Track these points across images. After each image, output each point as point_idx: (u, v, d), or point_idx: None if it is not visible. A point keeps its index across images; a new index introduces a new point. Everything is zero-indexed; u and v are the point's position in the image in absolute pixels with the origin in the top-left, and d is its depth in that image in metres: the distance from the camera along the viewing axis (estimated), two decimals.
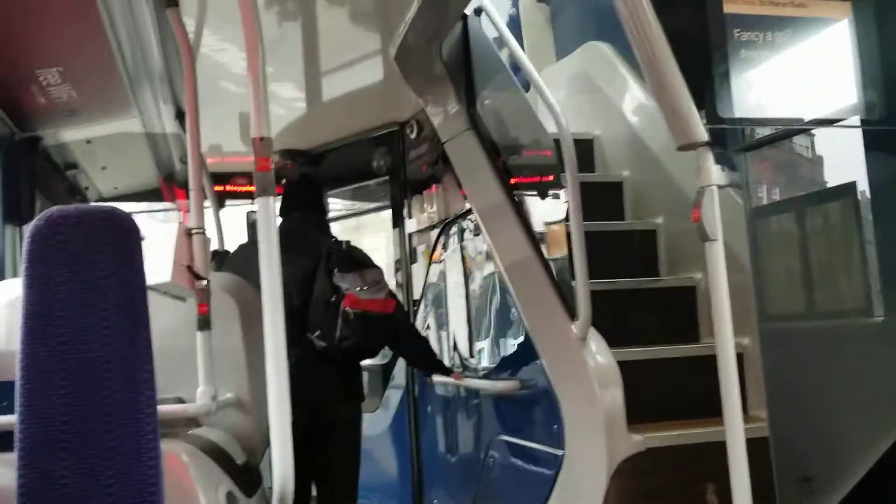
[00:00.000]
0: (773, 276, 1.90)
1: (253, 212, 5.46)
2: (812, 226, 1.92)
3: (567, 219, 2.60)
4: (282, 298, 1.51)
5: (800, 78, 1.65)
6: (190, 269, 2.09)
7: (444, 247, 4.07)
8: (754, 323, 2.21)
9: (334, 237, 3.50)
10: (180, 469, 1.79)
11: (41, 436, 1.56)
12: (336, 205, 5.35)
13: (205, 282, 2.12)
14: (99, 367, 1.60)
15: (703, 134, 1.48)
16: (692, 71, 1.50)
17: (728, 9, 1.52)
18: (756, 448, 1.61)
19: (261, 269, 1.49)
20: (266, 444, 2.72)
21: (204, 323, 2.12)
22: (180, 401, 2.24)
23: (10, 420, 1.59)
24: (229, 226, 5.19)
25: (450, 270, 3.99)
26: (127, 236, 1.66)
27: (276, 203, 1.59)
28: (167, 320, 2.12)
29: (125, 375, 1.61)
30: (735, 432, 1.55)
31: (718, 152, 1.53)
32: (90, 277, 1.62)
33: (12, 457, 1.55)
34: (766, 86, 1.61)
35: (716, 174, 1.50)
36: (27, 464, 1.55)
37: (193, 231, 2.13)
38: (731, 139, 1.68)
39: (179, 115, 3.19)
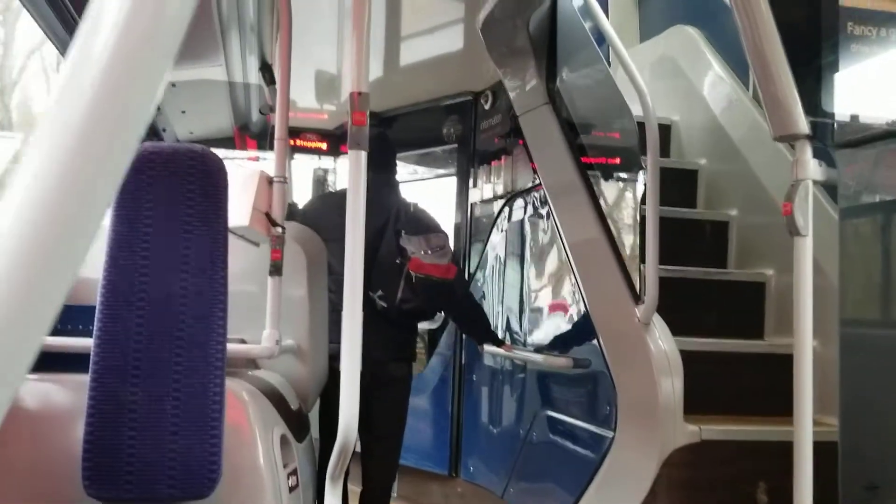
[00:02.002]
0: (858, 280, 1.85)
1: (320, 168, 5.53)
2: None
3: (643, 202, 2.57)
4: (363, 252, 1.52)
5: None
6: (268, 215, 2.13)
7: (508, 219, 4.07)
8: (827, 326, 2.16)
9: (403, 198, 3.51)
10: (240, 407, 1.84)
11: (114, 361, 1.61)
12: (401, 169, 5.39)
13: (280, 229, 2.16)
14: (176, 301, 1.65)
15: (804, 126, 1.44)
16: (799, 61, 1.46)
17: (844, 1, 1.47)
18: (815, 452, 1.58)
19: (346, 222, 1.51)
20: (317, 393, 2.77)
21: (276, 269, 2.16)
22: (242, 342, 2.29)
23: (86, 343, 1.65)
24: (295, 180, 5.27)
25: (510, 243, 3.99)
26: (215, 178, 1.70)
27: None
28: (236, 264, 2.17)
29: (200, 312, 1.66)
30: (804, 434, 1.53)
31: (816, 147, 1.49)
32: (176, 214, 1.66)
33: (85, 378, 1.60)
34: (875, 83, 1.56)
35: (813, 169, 1.46)
36: (98, 386, 1.60)
37: (275, 179, 2.16)
38: (829, 135, 1.63)
39: (263, 67, 3.23)
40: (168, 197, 1.66)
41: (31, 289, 0.46)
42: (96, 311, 1.63)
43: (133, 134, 0.49)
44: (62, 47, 2.86)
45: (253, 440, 1.83)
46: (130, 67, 0.48)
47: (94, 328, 1.62)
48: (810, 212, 1.48)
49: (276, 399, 2.13)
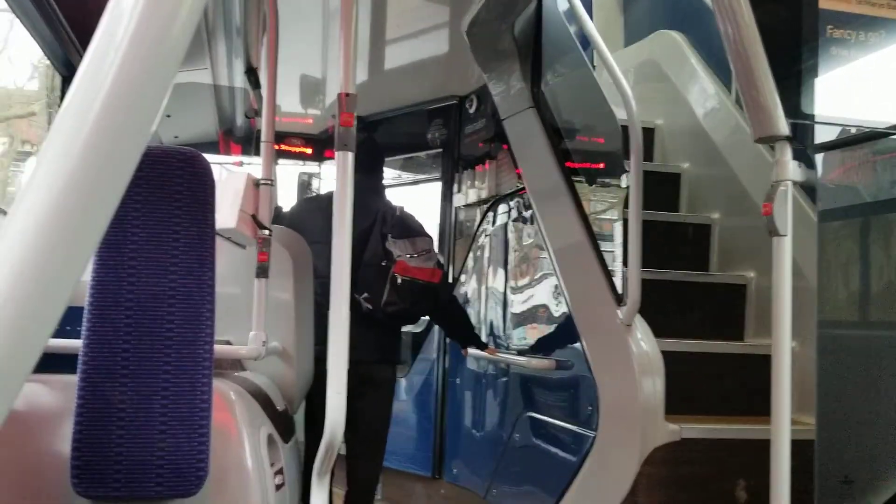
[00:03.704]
0: (835, 281, 1.89)
1: (305, 173, 5.54)
2: (878, 234, 1.90)
3: (626, 205, 2.60)
4: (350, 253, 1.54)
5: (889, 80, 1.63)
6: (254, 217, 2.14)
7: (492, 223, 4.09)
8: (806, 327, 2.20)
9: (389, 201, 3.53)
10: (227, 407, 1.84)
11: (103, 361, 1.62)
12: (386, 173, 5.40)
13: (267, 231, 2.17)
14: (164, 302, 1.65)
15: (784, 128, 1.47)
16: (779, 63, 1.49)
17: (823, 4, 1.50)
18: (793, 449, 1.61)
19: (333, 223, 1.52)
20: (302, 395, 2.78)
21: (262, 271, 2.17)
22: (228, 344, 2.30)
23: (74, 344, 1.65)
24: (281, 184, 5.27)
25: (494, 247, 4.01)
26: (203, 179, 1.71)
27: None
28: (222, 265, 2.18)
29: (188, 312, 1.67)
30: (781, 431, 1.55)
31: (796, 149, 1.52)
32: (164, 215, 1.67)
33: (73, 379, 1.61)
34: (853, 85, 1.59)
35: (792, 170, 1.49)
36: (87, 386, 1.61)
37: (261, 182, 2.17)
38: (809, 136, 1.67)
39: (249, 71, 3.24)
40: (156, 198, 1.66)
41: (38, 290, 0.47)
42: (85, 311, 1.63)
43: (139, 139, 0.50)
44: (61, 66, 2.88)
45: (240, 439, 1.84)
46: (139, 75, 0.50)
47: (83, 329, 1.63)
48: (790, 212, 1.51)
49: (262, 399, 2.14)
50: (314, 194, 5.36)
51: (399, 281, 3.18)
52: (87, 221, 0.49)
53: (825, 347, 1.84)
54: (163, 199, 1.66)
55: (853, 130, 1.66)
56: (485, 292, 4.12)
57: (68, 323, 1.91)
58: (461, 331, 3.75)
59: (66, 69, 2.90)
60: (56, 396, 1.76)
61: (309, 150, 5.43)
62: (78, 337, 1.63)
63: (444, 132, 4.78)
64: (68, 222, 0.48)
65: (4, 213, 2.32)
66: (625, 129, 2.66)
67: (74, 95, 0.49)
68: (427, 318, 4.14)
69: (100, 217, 0.50)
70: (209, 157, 1.79)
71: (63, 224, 0.48)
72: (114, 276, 1.64)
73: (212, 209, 1.72)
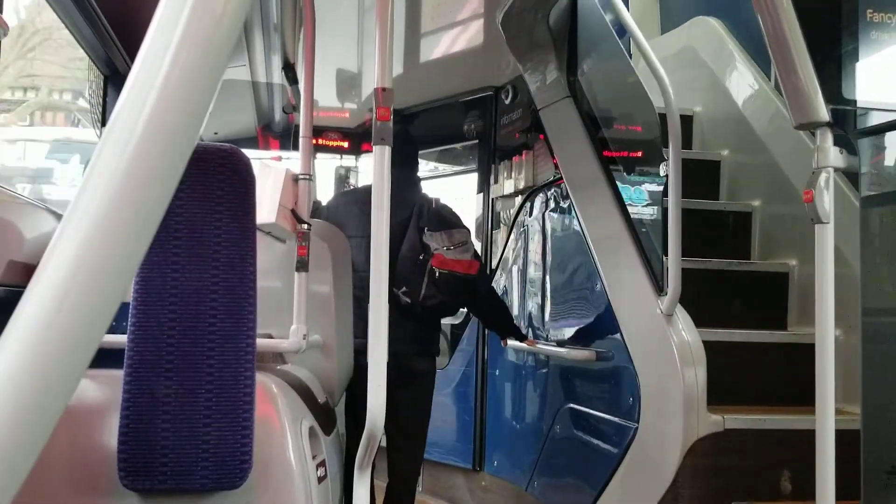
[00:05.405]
0: (880, 268, 1.85)
1: (342, 166, 5.58)
2: None
3: (665, 194, 2.58)
4: (388, 245, 1.55)
5: None
6: (293, 212, 2.16)
7: (529, 214, 4.08)
8: (849, 315, 2.16)
9: (425, 194, 3.54)
10: (269, 400, 1.86)
11: (148, 355, 1.65)
12: (422, 165, 5.41)
13: (306, 225, 2.19)
14: (206, 296, 1.68)
15: (824, 114, 1.45)
16: (818, 49, 1.47)
17: None
18: (838, 440, 1.59)
19: (371, 216, 1.53)
20: (343, 387, 2.81)
21: (302, 265, 2.19)
22: (269, 337, 2.33)
23: (120, 339, 1.69)
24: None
25: (532, 238, 4.00)
26: (243, 175, 1.73)
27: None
28: (262, 260, 2.21)
29: (230, 306, 1.69)
30: (826, 422, 1.54)
31: (837, 135, 1.49)
32: (206, 210, 1.69)
33: (119, 373, 1.65)
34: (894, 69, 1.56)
35: (834, 156, 1.47)
36: (133, 380, 1.64)
37: (300, 176, 2.20)
38: (851, 122, 1.64)
39: (286, 67, 3.26)
40: (198, 194, 1.69)
41: (94, 289, 0.49)
42: (130, 307, 1.67)
43: (189, 138, 0.52)
44: (103, 66, 2.93)
45: (282, 432, 1.86)
46: (189, 76, 0.51)
47: (129, 324, 1.66)
48: (831, 199, 1.49)
49: (303, 392, 2.16)
50: (351, 188, 5.39)
51: (437, 274, 3.18)
52: (140, 220, 0.50)
53: (870, 335, 1.81)
54: (204, 195, 1.69)
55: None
56: (523, 283, 4.11)
57: (114, 318, 1.95)
58: (500, 322, 3.74)
59: (108, 68, 2.96)
60: (103, 391, 1.80)
61: (346, 144, 5.47)
62: (123, 332, 1.67)
63: (481, 123, 4.78)
64: (123, 222, 0.49)
65: (61, 215, 2.38)
66: (662, 117, 2.63)
67: (127, 99, 0.51)
68: (466, 309, 4.15)
69: (152, 216, 0.51)
70: (248, 152, 1.81)
71: (117, 223, 0.49)
72: (158, 272, 1.67)
73: (252, 204, 1.75)
